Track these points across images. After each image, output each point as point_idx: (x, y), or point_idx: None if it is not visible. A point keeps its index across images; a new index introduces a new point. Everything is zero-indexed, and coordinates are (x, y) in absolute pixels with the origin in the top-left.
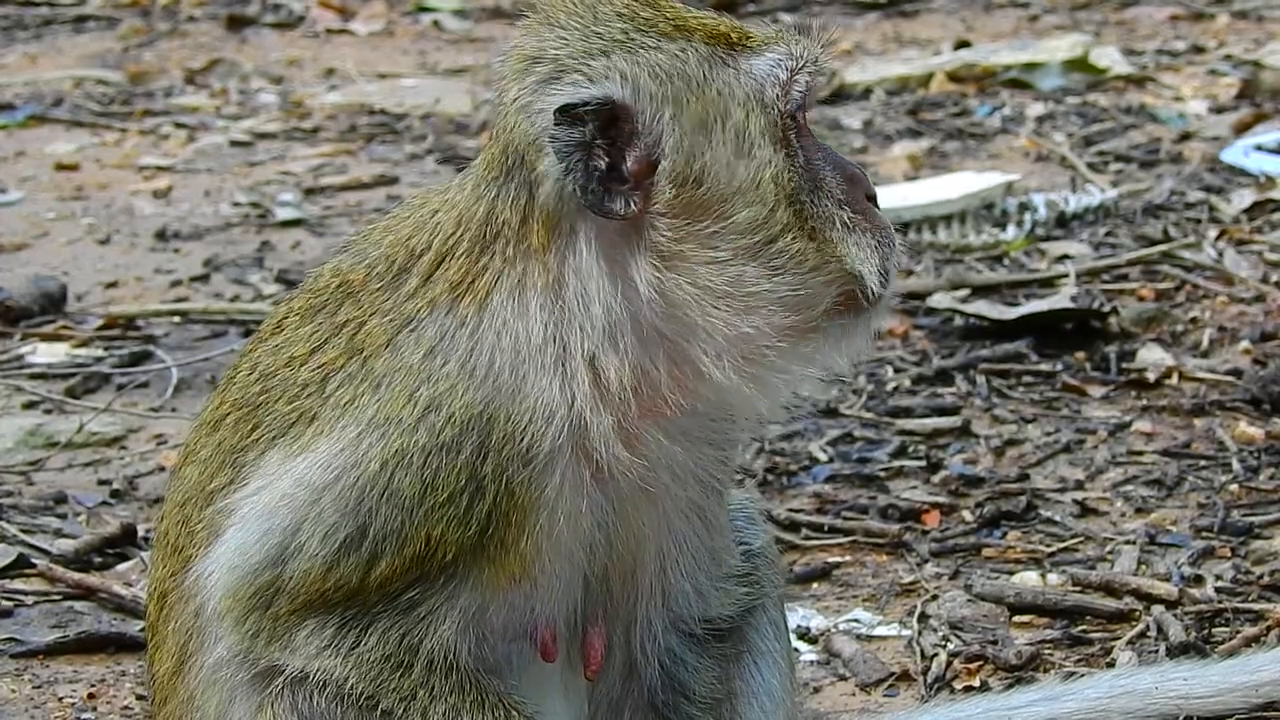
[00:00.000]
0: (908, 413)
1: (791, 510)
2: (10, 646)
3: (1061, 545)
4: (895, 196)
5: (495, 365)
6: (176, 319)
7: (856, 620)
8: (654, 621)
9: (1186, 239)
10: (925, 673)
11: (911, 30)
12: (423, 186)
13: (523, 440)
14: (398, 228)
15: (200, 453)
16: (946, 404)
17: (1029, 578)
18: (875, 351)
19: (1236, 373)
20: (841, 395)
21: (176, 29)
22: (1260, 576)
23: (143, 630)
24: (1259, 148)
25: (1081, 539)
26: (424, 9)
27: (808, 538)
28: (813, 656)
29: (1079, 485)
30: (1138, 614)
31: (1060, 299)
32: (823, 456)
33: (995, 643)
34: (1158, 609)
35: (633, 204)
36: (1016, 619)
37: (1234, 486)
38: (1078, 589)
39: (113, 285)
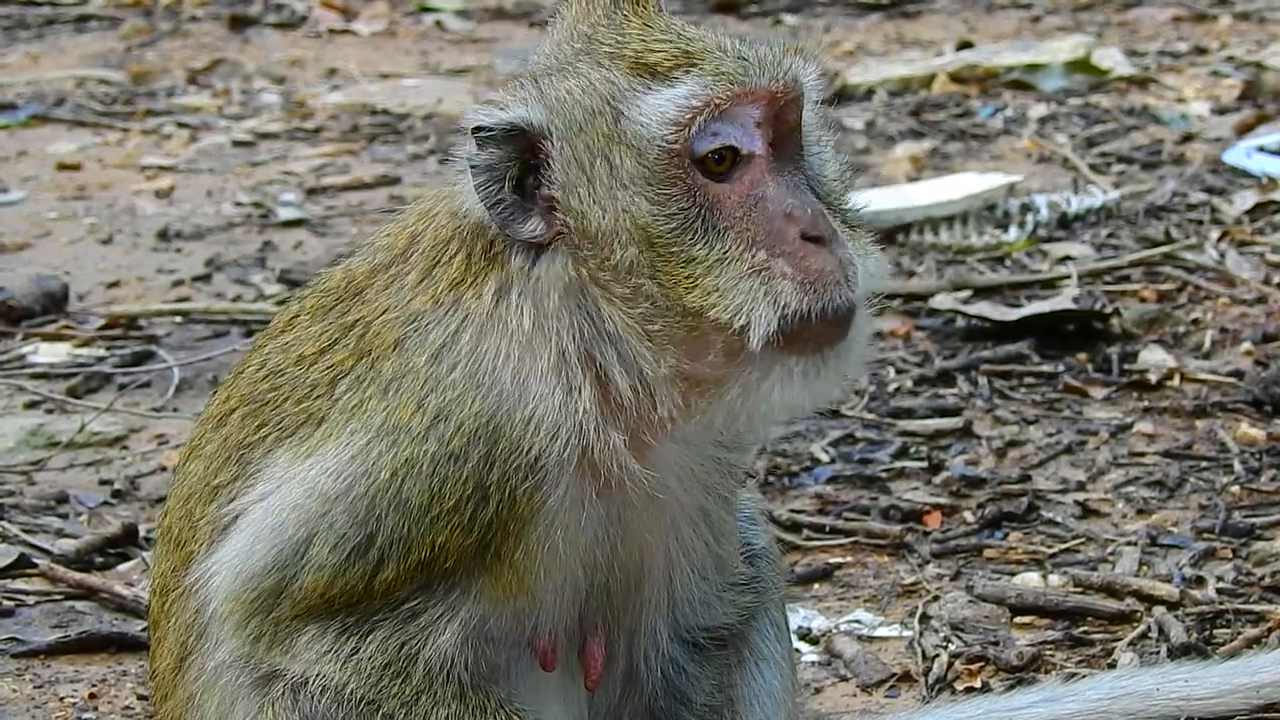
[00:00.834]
0: (909, 414)
1: (793, 511)
2: (11, 646)
3: (1063, 546)
4: (897, 197)
5: (497, 373)
6: (178, 319)
7: (858, 621)
8: (659, 630)
9: (1188, 240)
10: (926, 674)
11: (914, 31)
12: (424, 187)
13: (529, 451)
14: (404, 220)
15: (205, 448)
16: (948, 405)
17: (1030, 579)
18: (874, 355)
19: (1238, 374)
20: (843, 396)
21: (179, 29)
22: (1261, 578)
23: (144, 630)
24: (1261, 149)
25: (1083, 540)
26: (426, 9)
27: (809, 538)
28: (814, 657)
29: (1080, 486)
30: (1139, 615)
31: (1062, 300)
32: (824, 457)
33: (996, 644)
34: (1159, 610)
35: (539, 229)
36: (1018, 620)
37: (1235, 488)
38: (1079, 590)
39: (114, 285)
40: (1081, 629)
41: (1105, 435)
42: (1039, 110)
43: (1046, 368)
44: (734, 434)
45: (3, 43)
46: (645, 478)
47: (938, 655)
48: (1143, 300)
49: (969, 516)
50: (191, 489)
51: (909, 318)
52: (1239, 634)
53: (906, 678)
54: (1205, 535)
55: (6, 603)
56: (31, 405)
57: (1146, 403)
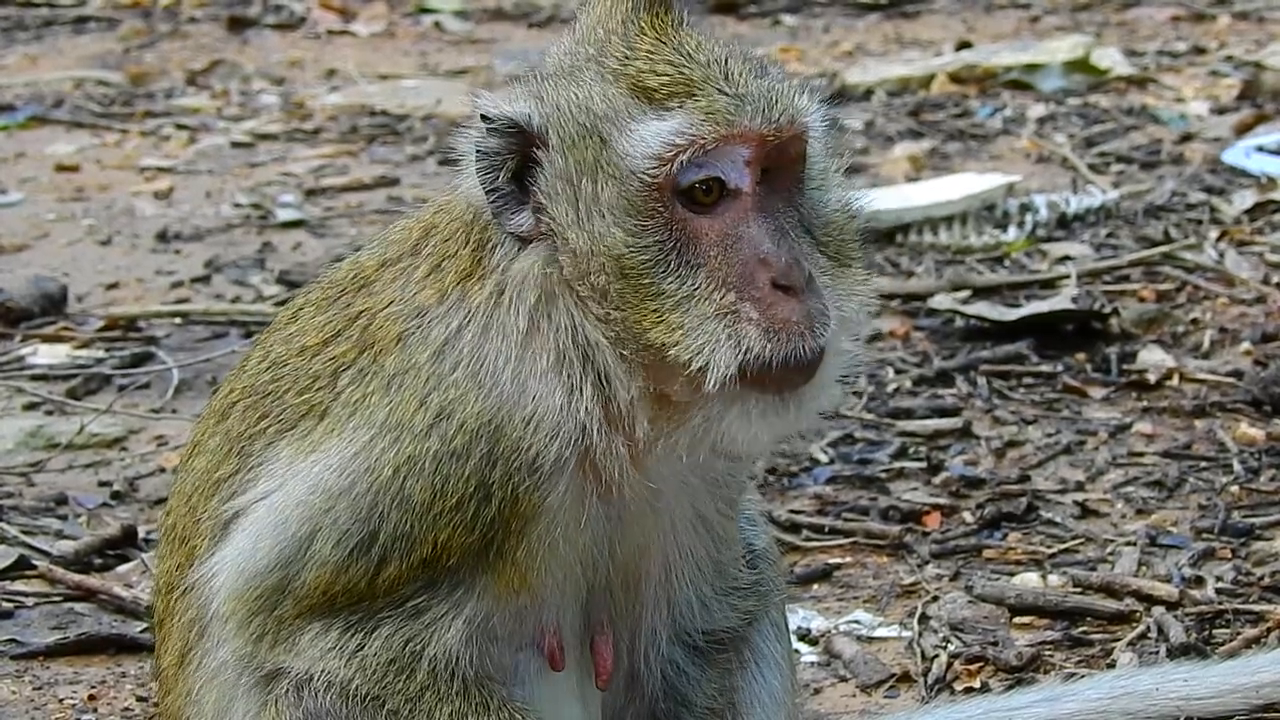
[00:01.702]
0: (908, 414)
1: (792, 511)
2: (11, 648)
3: (1062, 546)
4: (896, 198)
5: (498, 373)
6: (177, 320)
7: (857, 621)
8: (659, 632)
9: (1187, 240)
10: (926, 674)
11: (913, 31)
12: (423, 188)
13: (530, 451)
14: (418, 216)
15: (208, 442)
16: (947, 405)
17: (1029, 579)
18: (875, 355)
19: (1237, 374)
20: (842, 397)
21: (177, 30)
22: (1261, 578)
23: (143, 632)
24: (1260, 149)
25: (1082, 540)
26: (425, 10)
27: (808, 539)
28: (813, 658)
29: (1080, 486)
30: (1138, 615)
31: (1061, 300)
32: (823, 458)
33: (996, 644)
34: (1158, 610)
35: (526, 224)
36: (1017, 620)
37: (1235, 488)
38: (1078, 590)
39: (113, 286)
40: (1081, 629)
41: (1104, 435)
42: (1038, 110)
43: (1045, 368)
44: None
45: (1, 44)
46: (643, 483)
47: (937, 655)
48: (1142, 300)
49: (968, 517)
50: (195, 484)
51: (908, 318)
52: (1238, 634)
53: (906, 678)
54: (1204, 535)
55: (6, 604)
56: (31, 407)
57: (1145, 403)
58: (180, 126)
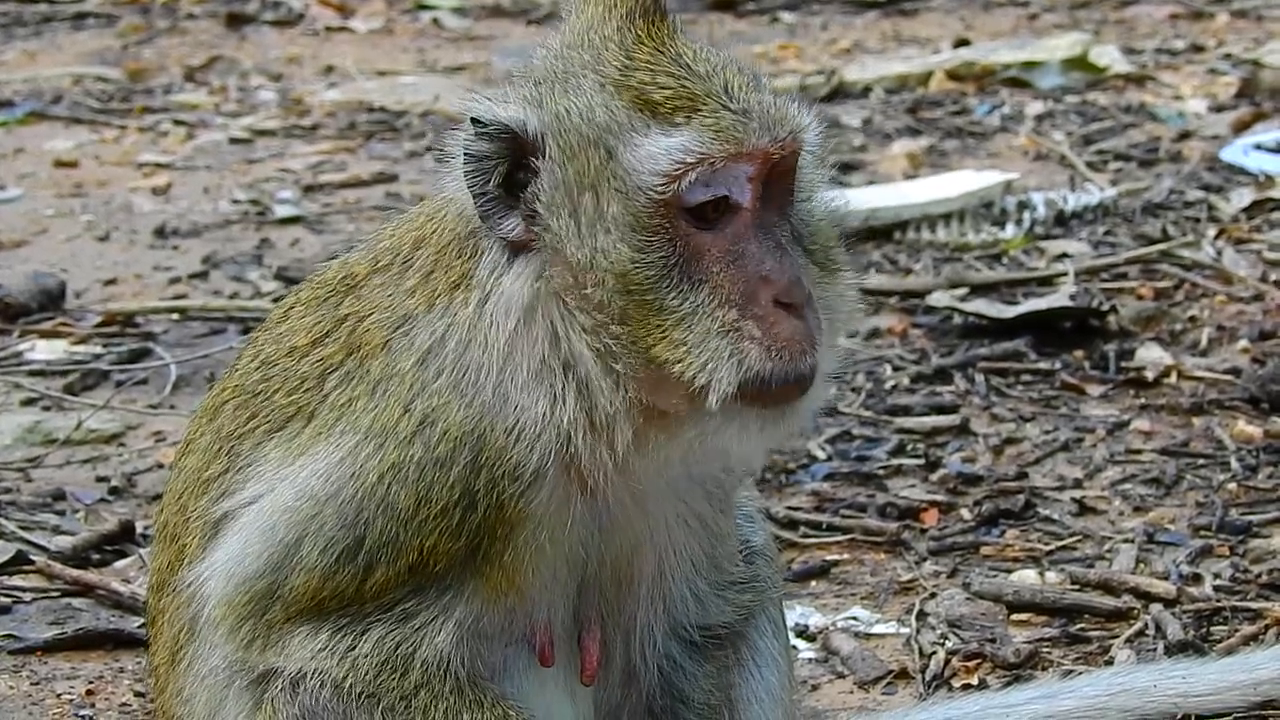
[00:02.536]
0: (906, 411)
1: (790, 508)
2: (8, 643)
3: (1060, 544)
4: (894, 195)
5: (479, 381)
6: (175, 316)
7: (855, 618)
8: (654, 628)
9: (1185, 238)
10: (923, 670)
11: (911, 28)
12: (421, 185)
13: (511, 458)
14: (410, 221)
15: (199, 441)
16: (945, 402)
17: (1027, 576)
18: (869, 353)
19: (1235, 371)
20: (840, 393)
21: (176, 26)
22: (1258, 575)
23: (140, 627)
24: (1258, 146)
25: (1080, 537)
26: (423, 6)
27: (806, 535)
28: (811, 654)
29: (1077, 484)
30: (1136, 612)
31: (1059, 297)
32: (821, 454)
33: (993, 641)
34: (1156, 607)
35: (517, 230)
36: (1015, 617)
37: (1232, 485)
38: (1076, 587)
39: (112, 282)
40: (1078, 626)
41: (1102, 432)
42: (1036, 108)
43: (1043, 365)
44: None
45: (0, 40)
46: (629, 485)
47: (935, 652)
48: (1140, 298)
49: (966, 514)
50: (185, 483)
51: (906, 315)
52: (1236, 631)
53: (903, 675)
54: (1202, 532)
55: (3, 599)
56: (29, 402)
57: (1143, 400)
58: (178, 122)
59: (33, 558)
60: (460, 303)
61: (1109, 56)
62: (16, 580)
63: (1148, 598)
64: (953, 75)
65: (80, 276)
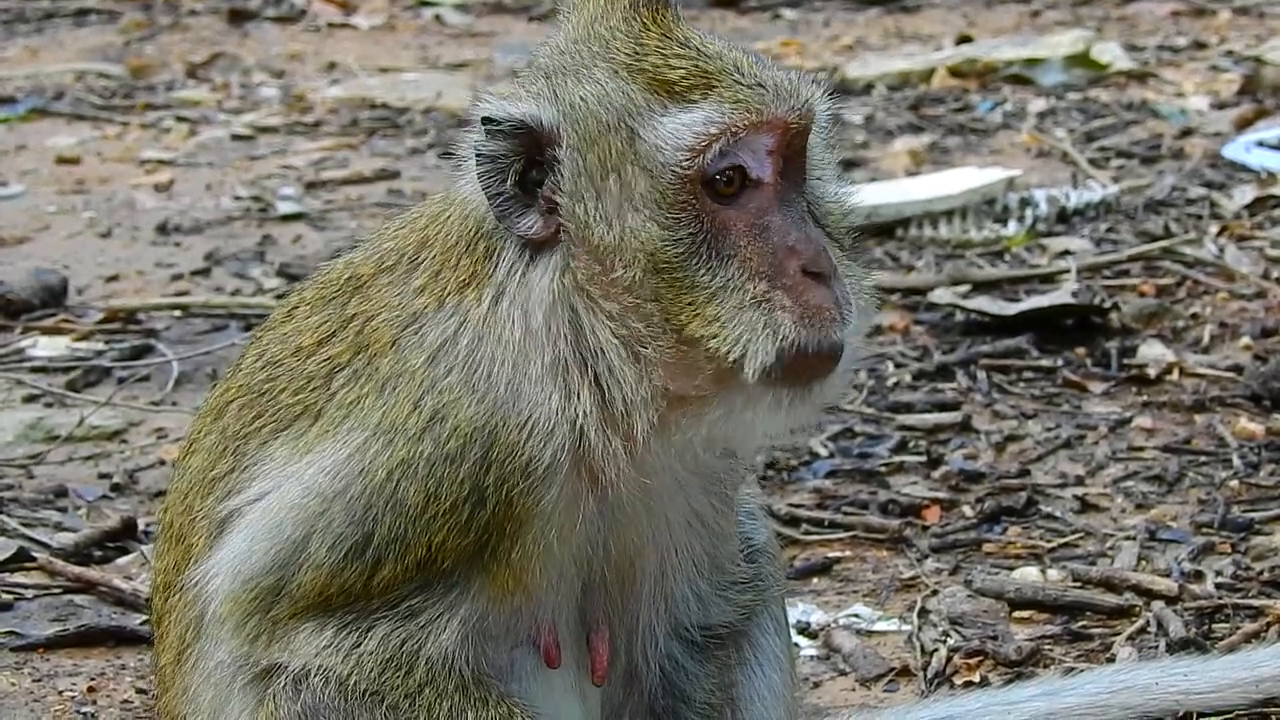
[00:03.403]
0: (908, 408)
1: (792, 505)
2: (10, 640)
3: (1062, 541)
4: (896, 192)
5: (492, 377)
6: (177, 313)
7: (857, 615)
8: (656, 627)
9: (1187, 235)
10: (925, 668)
11: (913, 25)
12: (424, 181)
13: (523, 455)
14: (414, 221)
15: (204, 440)
16: (947, 399)
17: (1029, 573)
18: (877, 350)
19: (1237, 369)
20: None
21: (178, 22)
22: (1260, 572)
23: (143, 624)
24: (1260, 143)
25: (1082, 535)
26: (426, 3)
27: (808, 533)
28: (813, 651)
29: (1079, 481)
30: (1138, 610)
31: (1061, 295)
32: (823, 451)
33: (995, 638)
34: (1158, 605)
35: (536, 227)
36: (1016, 614)
37: (1234, 482)
38: (1078, 585)
39: (114, 279)
40: (1080, 623)
41: (1104, 430)
42: (1038, 105)
43: (1045, 362)
44: (717, 452)
45: (2, 36)
46: (639, 480)
47: (936, 649)
48: (1142, 295)
49: (968, 511)
50: (191, 483)
51: (908, 312)
52: (1238, 629)
53: (905, 672)
54: (1204, 530)
55: (5, 596)
56: (30, 399)
57: (1145, 397)
58: (181, 119)
59: (34, 555)
60: (472, 301)
61: (1111, 53)
62: (18, 577)
63: (1149, 595)
64: (955, 72)
65: (82, 273)
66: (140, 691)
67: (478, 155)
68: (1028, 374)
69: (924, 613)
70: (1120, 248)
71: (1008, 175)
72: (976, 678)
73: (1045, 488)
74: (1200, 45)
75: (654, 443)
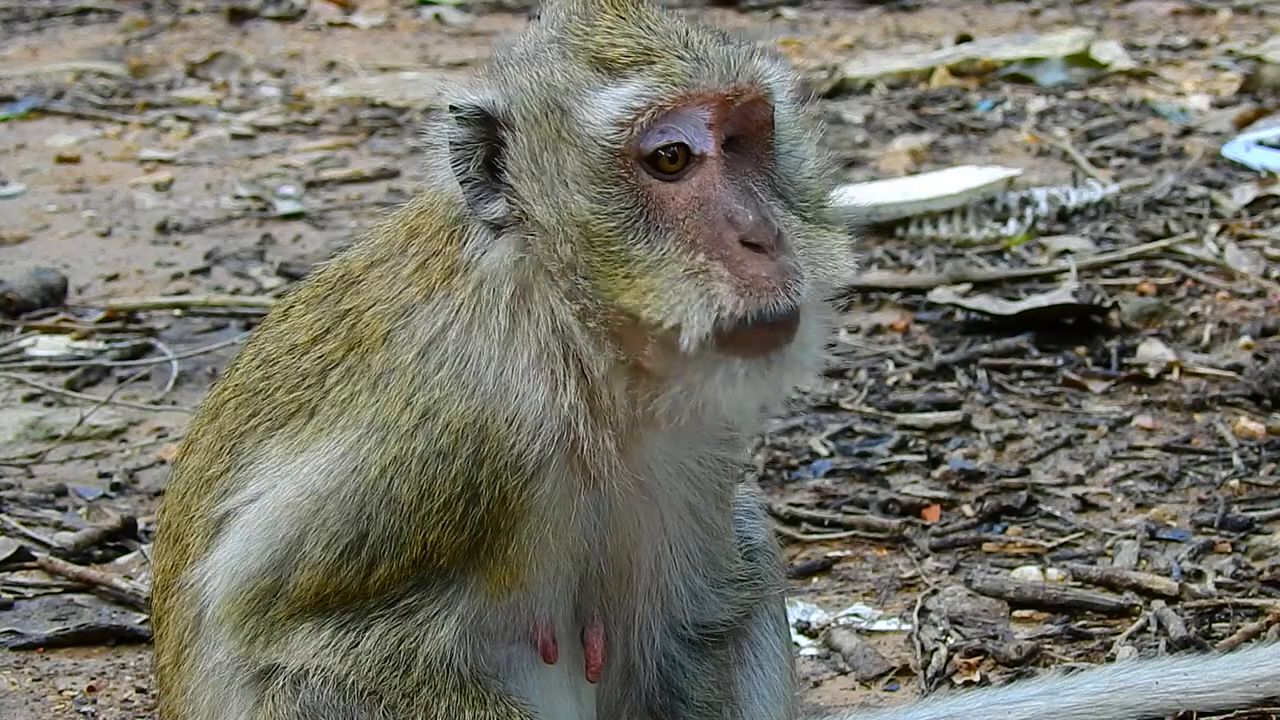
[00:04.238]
0: (908, 407)
1: (792, 505)
2: (10, 639)
3: (1062, 540)
4: (896, 191)
5: (480, 371)
6: (177, 312)
7: (857, 615)
8: (652, 624)
9: (1188, 234)
10: (925, 667)
11: (913, 25)
12: (423, 181)
13: (515, 450)
14: (404, 214)
15: (201, 440)
16: (947, 399)
17: (1029, 573)
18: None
19: (1237, 368)
20: (842, 390)
21: (178, 22)
22: (1260, 572)
23: (142, 624)
24: (1260, 143)
25: (1082, 534)
26: (426, 3)
27: (808, 532)
28: (813, 651)
29: (1079, 480)
30: (1138, 609)
31: (1061, 294)
32: (823, 451)
33: (995, 637)
34: (1158, 604)
35: (499, 211)
36: (1017, 614)
37: (1234, 482)
38: (1078, 584)
39: (113, 278)
40: (1080, 623)
41: (1104, 429)
42: (1038, 104)
43: (1045, 361)
44: (718, 428)
45: (2, 35)
46: (631, 474)
47: (936, 649)
48: (1142, 294)
49: (968, 510)
50: (188, 483)
51: (908, 311)
52: (1238, 628)
53: (905, 671)
54: (1204, 529)
55: (5, 595)
56: (30, 398)
57: (1145, 396)
58: (180, 118)
59: (34, 554)
60: (458, 288)
61: (1111, 53)
62: (18, 576)
63: (1150, 594)
64: (955, 71)
65: (82, 272)
66: (140, 691)
67: (450, 143)
68: (1028, 373)
69: (924, 612)
70: (1120, 247)
71: (1008, 174)
72: (976, 677)
73: (1045, 487)
74: (1200, 44)
75: (642, 433)
